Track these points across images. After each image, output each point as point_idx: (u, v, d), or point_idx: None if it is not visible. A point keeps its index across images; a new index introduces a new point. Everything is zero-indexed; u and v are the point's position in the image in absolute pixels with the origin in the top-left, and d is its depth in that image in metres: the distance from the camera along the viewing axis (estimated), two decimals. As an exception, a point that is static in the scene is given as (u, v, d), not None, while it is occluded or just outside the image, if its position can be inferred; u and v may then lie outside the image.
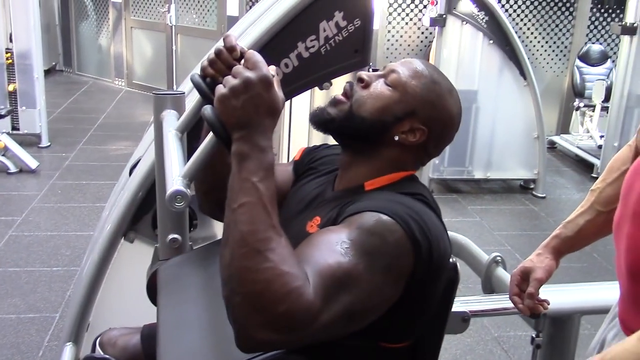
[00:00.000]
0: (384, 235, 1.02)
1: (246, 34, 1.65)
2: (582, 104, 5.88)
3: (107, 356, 1.40)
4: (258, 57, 0.98)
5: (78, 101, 7.38)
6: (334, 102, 1.21)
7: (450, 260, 1.22)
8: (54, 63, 8.87)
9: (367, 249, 1.00)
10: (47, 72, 8.45)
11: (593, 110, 5.74)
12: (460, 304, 1.43)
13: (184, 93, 1.55)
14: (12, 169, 4.78)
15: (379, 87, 1.20)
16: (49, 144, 5.49)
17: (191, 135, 1.68)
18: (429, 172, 4.76)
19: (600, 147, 5.24)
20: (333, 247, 0.99)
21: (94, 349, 1.45)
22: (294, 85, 1.68)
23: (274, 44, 1.64)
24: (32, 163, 4.84)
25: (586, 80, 6.00)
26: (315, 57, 1.67)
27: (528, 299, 1.36)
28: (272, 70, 0.99)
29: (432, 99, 1.20)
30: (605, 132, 5.07)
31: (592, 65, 6.07)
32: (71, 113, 6.77)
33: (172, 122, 1.46)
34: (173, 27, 7.25)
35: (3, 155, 4.82)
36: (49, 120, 5.86)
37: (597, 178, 5.21)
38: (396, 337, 1.16)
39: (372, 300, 1.02)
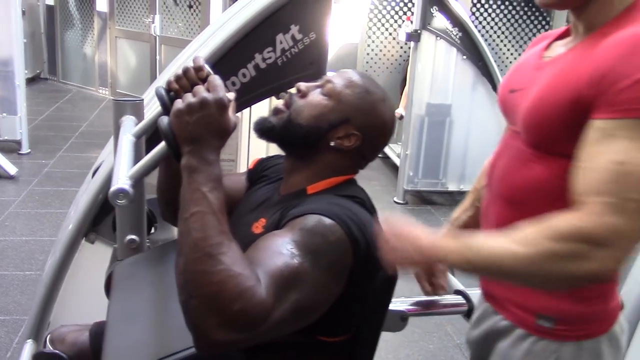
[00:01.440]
0: (326, 235, 1.10)
1: (205, 44, 1.72)
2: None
3: (56, 351, 1.46)
4: (218, 82, 1.07)
5: (61, 109, 7.41)
6: (275, 111, 1.30)
7: None
8: (38, 71, 8.90)
9: (310, 248, 1.07)
10: (32, 80, 8.51)
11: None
12: (399, 304, 1.50)
13: (142, 100, 1.62)
14: (-9, 174, 4.82)
15: (315, 96, 1.29)
16: (29, 150, 5.52)
17: (152, 141, 1.75)
18: (404, 184, 4.84)
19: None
20: (279, 249, 1.06)
21: (45, 345, 1.51)
22: (251, 94, 1.76)
23: (232, 54, 1.72)
24: (11, 169, 4.88)
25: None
26: (272, 67, 1.75)
27: (441, 290, 1.49)
28: (230, 95, 1.07)
29: (365, 107, 1.28)
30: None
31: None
32: (53, 121, 6.81)
33: (129, 127, 1.53)
34: (157, 37, 7.32)
35: (-18, 161, 4.85)
36: (31, 127, 5.90)
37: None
38: (334, 331, 1.22)
39: (318, 297, 1.09)
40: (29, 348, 1.73)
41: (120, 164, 1.22)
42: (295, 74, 1.77)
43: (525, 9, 6.41)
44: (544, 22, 6.44)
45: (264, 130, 1.30)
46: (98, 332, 1.50)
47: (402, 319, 1.48)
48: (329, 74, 1.33)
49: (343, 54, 6.18)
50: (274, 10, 1.70)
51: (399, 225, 1.10)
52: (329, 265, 1.09)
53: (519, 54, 6.44)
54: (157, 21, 7.25)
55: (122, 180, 1.12)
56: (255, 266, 1.01)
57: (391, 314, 1.47)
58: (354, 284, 1.15)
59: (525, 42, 6.44)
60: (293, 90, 1.34)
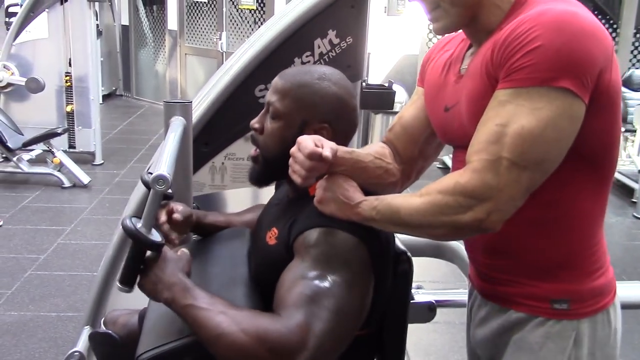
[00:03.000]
0: (329, 241, 1.16)
1: (246, 50, 1.83)
2: (623, 129, 5.84)
3: (108, 331, 1.58)
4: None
5: (133, 123, 7.78)
6: (253, 160, 1.36)
7: (406, 254, 1.35)
8: (114, 88, 9.38)
9: (321, 259, 1.14)
10: (108, 96, 8.97)
11: (635, 135, 5.70)
12: (427, 295, 1.54)
13: (191, 102, 1.74)
14: (66, 183, 5.12)
15: (268, 125, 1.32)
16: (102, 161, 5.83)
17: (200, 140, 1.87)
18: None
19: (640, 171, 5.21)
20: (296, 279, 1.13)
21: (99, 327, 1.64)
22: (292, 96, 1.85)
23: (272, 59, 1.82)
24: (85, 178, 5.17)
25: (628, 106, 5.95)
26: (310, 71, 1.83)
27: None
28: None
29: (309, 100, 1.29)
30: (644, 156, 5.04)
31: (636, 90, 6.03)
32: (126, 134, 7.15)
33: (177, 126, 1.65)
34: (224, 53, 7.58)
35: (58, 170, 5.17)
36: (105, 140, 6.23)
37: (636, 203, 5.13)
38: None
39: (355, 295, 1.13)
40: (86, 333, 1.87)
41: (164, 156, 1.32)
42: (334, 77, 1.85)
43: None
44: (610, 30, 6.30)
45: (256, 179, 1.37)
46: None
47: (430, 309, 1.52)
48: (267, 95, 1.35)
49: (403, 65, 6.22)
50: (312, 16, 1.78)
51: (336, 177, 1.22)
52: (346, 264, 1.14)
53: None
54: (224, 38, 7.52)
55: (163, 169, 1.21)
56: (278, 308, 1.11)
57: (419, 306, 1.51)
58: (376, 276, 1.19)
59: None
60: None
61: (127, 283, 1.20)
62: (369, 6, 1.84)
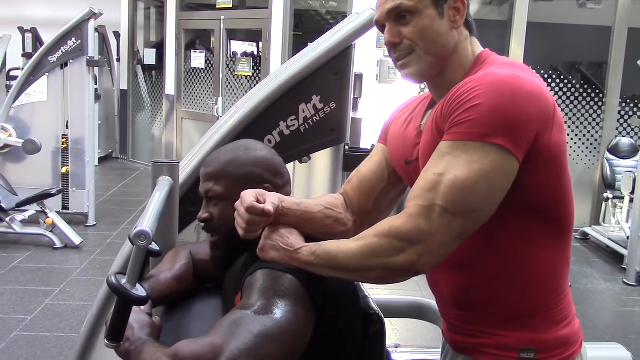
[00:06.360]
0: (266, 278, 1.21)
1: (234, 113, 1.90)
2: (612, 196, 5.92)
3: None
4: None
5: (128, 185, 7.84)
6: (214, 245, 1.44)
7: (378, 314, 1.37)
8: (110, 150, 9.49)
9: (257, 291, 1.19)
10: (104, 159, 9.07)
11: (622, 202, 5.77)
12: (405, 354, 1.56)
13: (178, 162, 1.79)
14: (58, 244, 5.13)
15: (215, 211, 1.41)
16: (95, 223, 5.85)
17: (187, 199, 1.91)
18: (636, 266, 4.79)
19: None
20: (234, 310, 1.18)
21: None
22: (277, 158, 1.90)
23: (259, 122, 1.88)
24: (77, 240, 5.18)
25: (616, 173, 6.06)
26: (295, 134, 1.90)
27: None
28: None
29: (243, 172, 1.40)
30: (631, 223, 5.08)
31: (622, 157, 6.14)
32: (120, 196, 7.20)
33: (164, 185, 1.70)
34: (220, 118, 7.71)
35: (51, 231, 5.18)
36: (99, 202, 6.27)
37: (626, 269, 5.13)
38: None
39: (280, 324, 1.14)
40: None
41: (148, 214, 1.36)
42: (317, 140, 1.91)
43: (582, 87, 6.49)
44: (597, 99, 6.47)
45: (226, 259, 1.43)
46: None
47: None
48: (203, 187, 1.43)
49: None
50: (298, 81, 1.86)
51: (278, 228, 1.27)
52: (278, 295, 1.17)
53: (573, 132, 6.45)
54: (220, 103, 7.68)
55: (145, 225, 1.25)
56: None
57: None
58: (316, 309, 1.21)
59: (579, 120, 6.47)
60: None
61: (114, 339, 1.22)
62: (352, 73, 1.92)
